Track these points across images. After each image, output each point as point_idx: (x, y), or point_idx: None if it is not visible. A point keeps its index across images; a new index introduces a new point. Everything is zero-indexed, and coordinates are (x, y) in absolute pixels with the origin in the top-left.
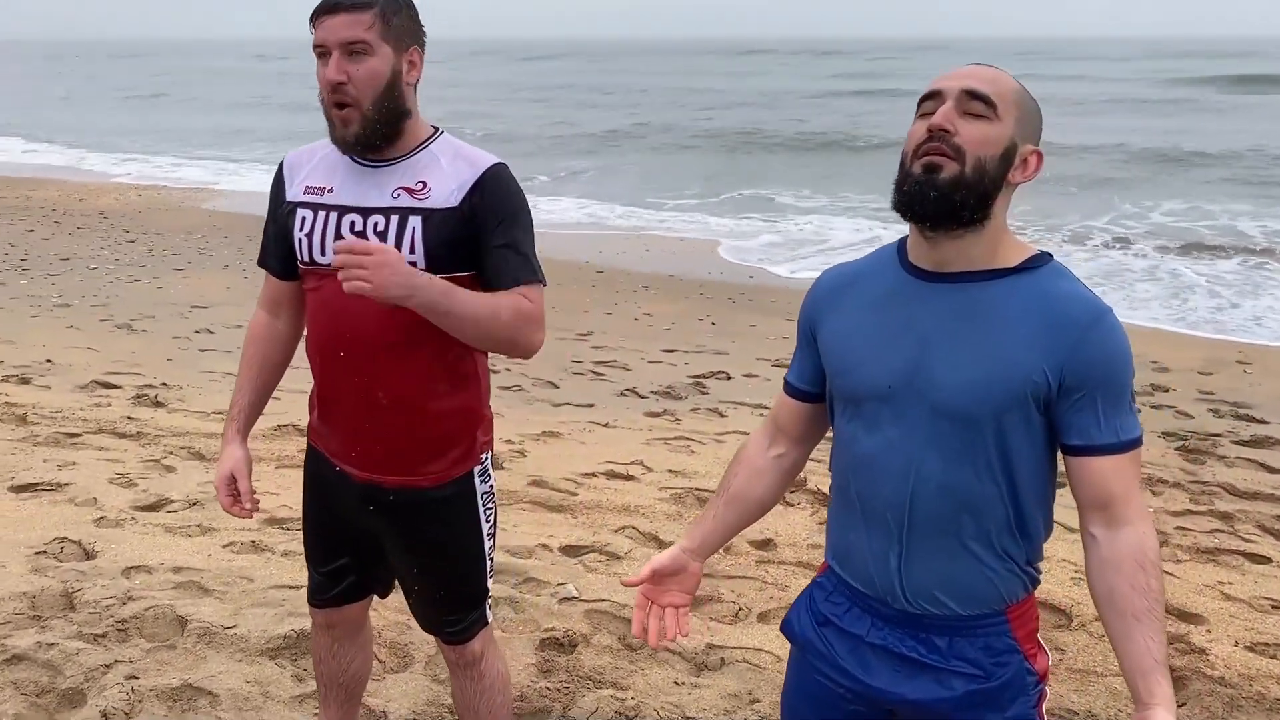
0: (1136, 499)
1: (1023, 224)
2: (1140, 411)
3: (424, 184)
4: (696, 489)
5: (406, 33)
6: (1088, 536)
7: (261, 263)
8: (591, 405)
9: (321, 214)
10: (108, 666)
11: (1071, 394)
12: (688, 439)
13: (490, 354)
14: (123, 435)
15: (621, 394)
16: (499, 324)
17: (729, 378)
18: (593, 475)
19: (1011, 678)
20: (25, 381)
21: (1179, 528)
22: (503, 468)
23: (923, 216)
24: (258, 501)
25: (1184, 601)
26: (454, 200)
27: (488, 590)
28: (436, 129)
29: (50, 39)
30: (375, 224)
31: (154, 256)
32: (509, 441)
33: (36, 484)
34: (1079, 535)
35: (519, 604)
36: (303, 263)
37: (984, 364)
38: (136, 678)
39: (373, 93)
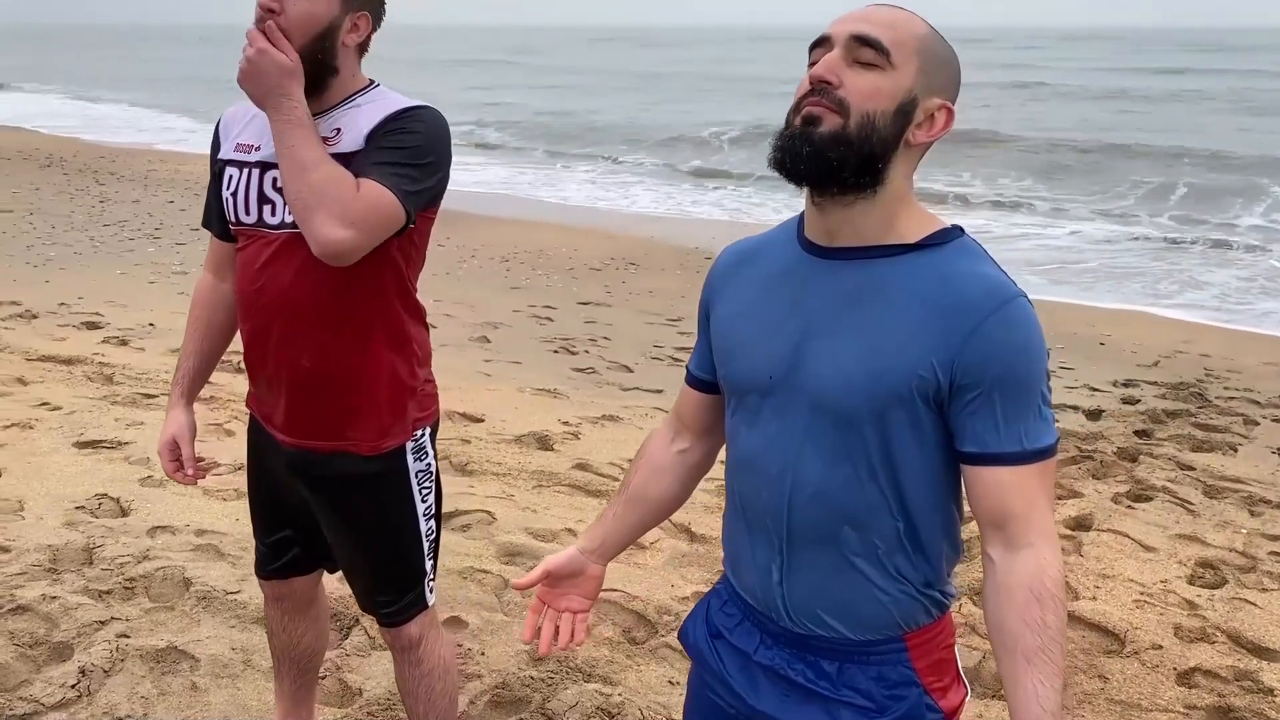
0: (1041, 518)
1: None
2: (1198, 417)
3: (338, 131)
4: None
5: None
6: (985, 558)
7: (205, 223)
8: (661, 391)
9: (246, 171)
10: (102, 623)
11: (965, 393)
12: None
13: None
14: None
15: None
16: (303, 182)
17: None
18: None
19: (907, 712)
20: (124, 344)
21: (1272, 553)
22: (552, 449)
23: (796, 175)
24: (204, 469)
25: (1260, 634)
26: (361, 142)
27: (425, 572)
28: (372, 82)
29: (201, 22)
30: (275, 180)
31: None
32: (566, 423)
33: (100, 441)
34: (1149, 553)
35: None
36: (230, 223)
37: (864, 355)
38: (127, 636)
39: (300, 35)
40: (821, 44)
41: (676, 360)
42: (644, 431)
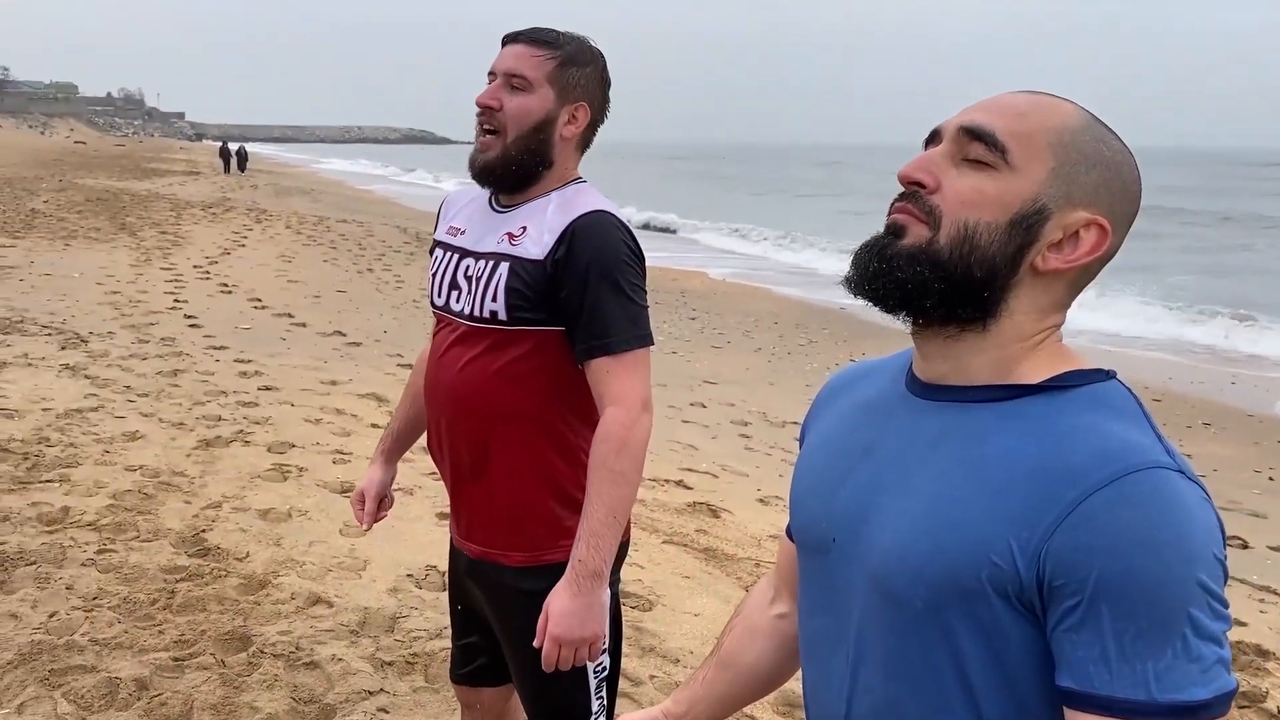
0: None
1: None
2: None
3: (524, 229)
4: None
5: (580, 88)
6: None
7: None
8: None
9: (448, 255)
10: (370, 693)
11: (1061, 598)
12: None
13: None
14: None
15: None
16: (620, 497)
17: (1246, 546)
18: None
19: None
20: None
21: None
22: None
23: (865, 296)
24: (382, 515)
25: None
26: (542, 251)
27: (591, 710)
28: (578, 177)
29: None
30: (468, 268)
31: (702, 334)
32: None
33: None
34: None
35: None
36: (431, 303)
37: (928, 524)
38: (386, 712)
39: (518, 128)
40: (933, 139)
41: None
42: None
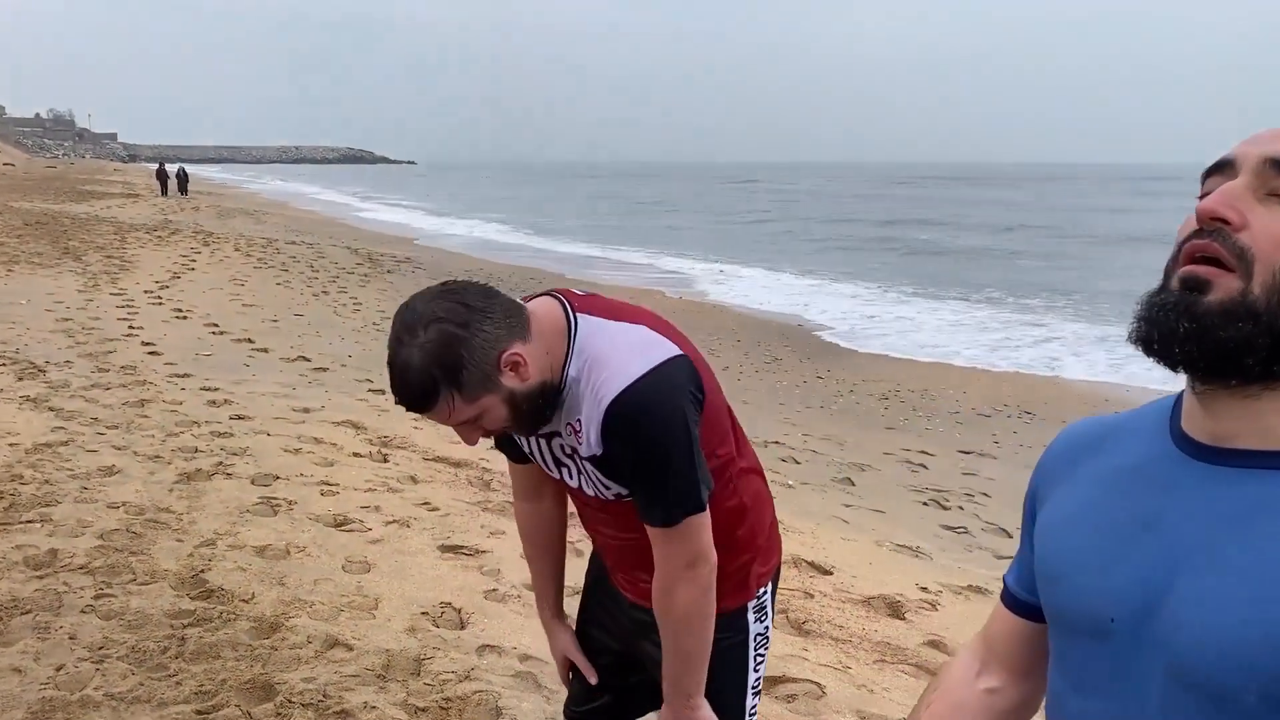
0: None
1: None
2: None
3: (579, 423)
4: None
5: (484, 362)
6: None
7: (498, 446)
8: None
9: (538, 441)
10: None
11: None
12: None
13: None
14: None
15: None
16: (699, 635)
17: None
18: None
19: None
20: None
21: None
22: (903, 618)
23: (1169, 359)
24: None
25: None
26: (598, 448)
27: None
28: (570, 323)
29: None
30: (560, 448)
31: None
32: (924, 589)
33: (461, 546)
34: None
35: None
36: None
37: (1256, 606)
38: None
39: (496, 426)
40: (1221, 169)
41: None
42: None
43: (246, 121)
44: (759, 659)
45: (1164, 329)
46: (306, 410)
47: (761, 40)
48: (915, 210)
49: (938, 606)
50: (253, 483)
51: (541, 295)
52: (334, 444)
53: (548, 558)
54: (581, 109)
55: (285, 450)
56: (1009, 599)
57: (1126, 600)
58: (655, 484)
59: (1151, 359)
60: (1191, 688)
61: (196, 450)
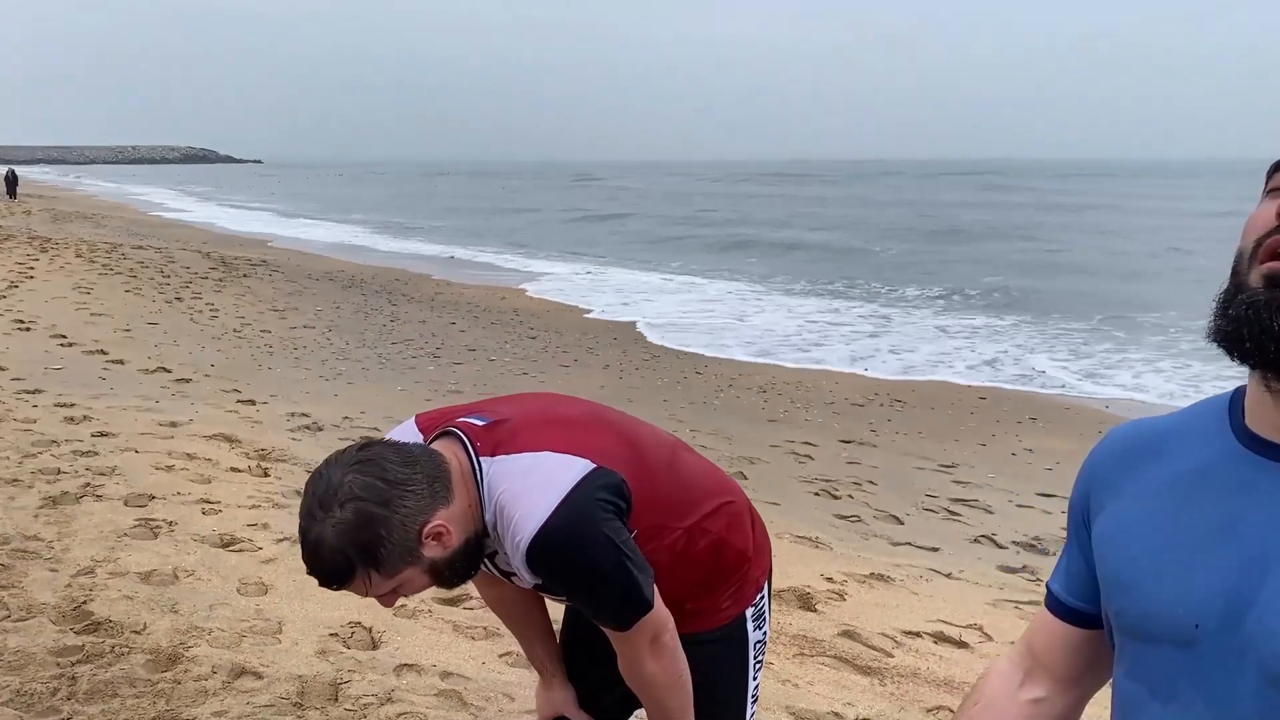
0: None
1: None
2: None
3: (508, 562)
4: None
5: (405, 538)
6: None
7: None
8: (937, 549)
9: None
10: None
11: None
12: None
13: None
14: None
15: (975, 540)
16: (680, 692)
17: None
18: (917, 635)
19: None
20: None
21: None
22: (815, 609)
23: (1265, 359)
24: None
25: None
26: (532, 581)
27: None
28: (475, 464)
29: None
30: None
31: (546, 352)
32: (829, 579)
33: None
34: None
35: None
36: None
37: None
38: None
39: (442, 583)
40: None
41: (953, 514)
42: (918, 598)
43: (78, 121)
44: (758, 666)
45: (1257, 327)
46: (174, 424)
47: (597, 39)
48: (765, 209)
49: (845, 596)
50: (126, 504)
51: (442, 436)
52: (209, 459)
53: (529, 623)
54: (435, 107)
55: (157, 468)
56: (1057, 606)
57: (1211, 606)
58: (595, 603)
59: (1236, 357)
60: None
61: (59, 472)
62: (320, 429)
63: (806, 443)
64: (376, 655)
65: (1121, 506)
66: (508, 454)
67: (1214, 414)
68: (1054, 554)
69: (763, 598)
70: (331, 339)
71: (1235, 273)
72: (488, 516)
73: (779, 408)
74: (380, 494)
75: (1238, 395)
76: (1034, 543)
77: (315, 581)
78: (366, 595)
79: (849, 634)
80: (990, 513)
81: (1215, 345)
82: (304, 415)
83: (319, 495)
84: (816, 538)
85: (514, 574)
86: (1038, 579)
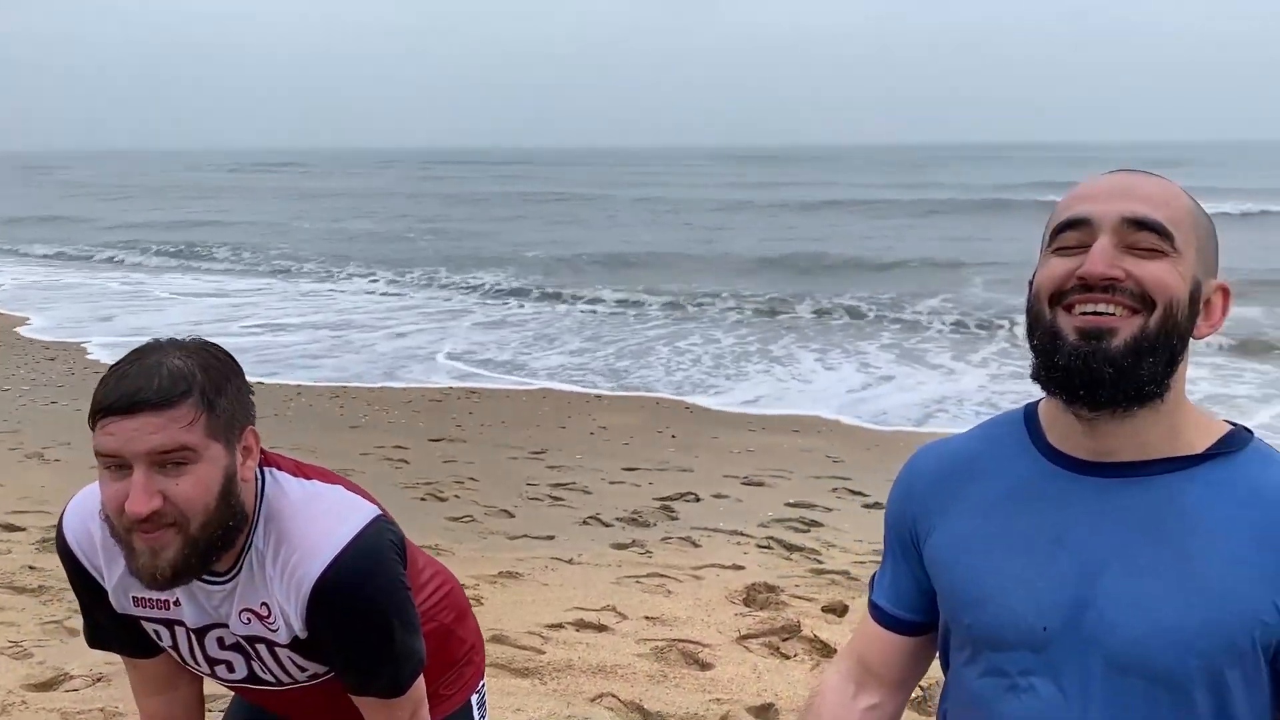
0: None
1: None
2: None
3: (266, 607)
4: (680, 640)
5: (238, 411)
6: None
7: (99, 644)
8: (552, 537)
9: (182, 633)
10: None
11: None
12: (662, 576)
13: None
14: (21, 590)
15: (584, 522)
16: None
17: (698, 499)
18: (560, 626)
19: None
20: None
21: None
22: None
23: (1093, 401)
24: None
25: None
26: (301, 632)
27: None
28: (260, 474)
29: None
30: (222, 640)
31: (74, 375)
32: (462, 586)
33: None
34: None
35: None
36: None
37: (1187, 599)
38: None
39: (203, 511)
40: (1074, 226)
41: (557, 500)
42: (550, 589)
43: None
44: None
45: (1090, 377)
46: None
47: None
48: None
49: (482, 600)
50: None
51: None
52: None
53: None
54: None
55: None
56: (886, 619)
57: (1057, 610)
58: (377, 659)
59: (1063, 398)
60: (1133, 675)
61: None
62: None
63: (398, 446)
64: (55, 696)
65: (955, 526)
66: (291, 476)
67: (1012, 435)
68: (653, 525)
69: (483, 684)
70: None
71: (1038, 322)
72: (258, 540)
73: (358, 412)
74: (231, 364)
75: (1030, 415)
76: (634, 517)
77: None
78: (166, 444)
79: (498, 638)
80: (589, 493)
81: (1040, 384)
82: None
83: (163, 342)
84: (436, 545)
85: (249, 643)
86: (647, 551)
